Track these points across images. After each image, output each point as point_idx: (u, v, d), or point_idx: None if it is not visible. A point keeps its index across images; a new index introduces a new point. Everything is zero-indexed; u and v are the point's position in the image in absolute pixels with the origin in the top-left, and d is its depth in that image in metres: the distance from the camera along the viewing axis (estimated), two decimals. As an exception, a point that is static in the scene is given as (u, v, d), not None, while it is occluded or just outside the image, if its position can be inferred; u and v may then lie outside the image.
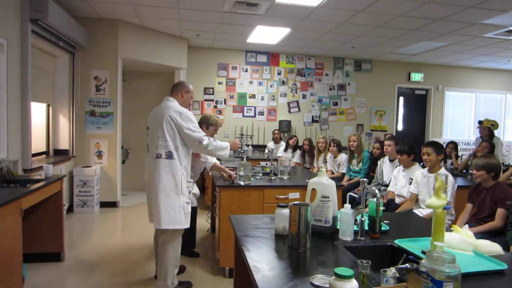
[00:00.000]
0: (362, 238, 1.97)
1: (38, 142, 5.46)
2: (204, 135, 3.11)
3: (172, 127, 3.03)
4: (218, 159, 4.10)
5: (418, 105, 9.54)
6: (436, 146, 3.74)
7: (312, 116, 8.71)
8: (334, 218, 2.05)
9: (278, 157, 6.56)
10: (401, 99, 9.39)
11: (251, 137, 7.95)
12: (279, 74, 8.48)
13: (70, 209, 5.94)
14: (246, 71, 8.34)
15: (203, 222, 5.36)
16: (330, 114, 8.81)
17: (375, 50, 7.93)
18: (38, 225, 3.82)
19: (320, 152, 6.61)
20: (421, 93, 9.50)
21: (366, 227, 2.04)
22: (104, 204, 6.28)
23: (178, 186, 3.03)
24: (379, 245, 1.93)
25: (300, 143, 7.25)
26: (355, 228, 2.02)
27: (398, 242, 1.90)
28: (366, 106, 9.01)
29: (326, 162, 6.43)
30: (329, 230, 2.04)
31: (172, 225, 3.03)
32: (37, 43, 4.81)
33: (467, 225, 3.31)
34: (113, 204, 6.35)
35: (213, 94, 8.24)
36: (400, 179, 4.21)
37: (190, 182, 3.17)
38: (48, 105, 5.67)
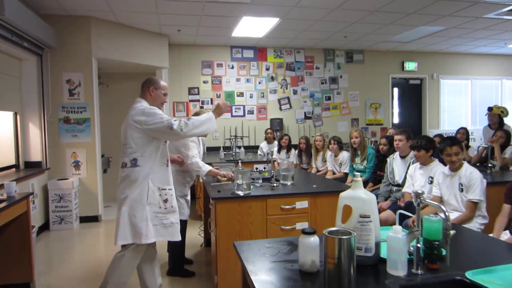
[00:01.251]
0: (419, 271, 1.47)
1: (5, 155, 4.86)
2: (175, 119, 2.66)
3: (137, 131, 2.75)
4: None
5: (413, 96, 9.15)
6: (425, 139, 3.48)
7: (305, 113, 8.23)
8: (377, 245, 1.55)
9: (273, 159, 6.08)
10: (396, 90, 8.99)
11: (241, 138, 7.42)
12: (267, 69, 7.97)
13: (46, 227, 5.34)
14: (232, 68, 7.81)
15: (195, 235, 4.82)
16: (323, 110, 8.34)
17: (367, 39, 7.49)
18: (1, 253, 3.24)
19: (318, 151, 6.12)
20: (415, 83, 9.10)
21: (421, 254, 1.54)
22: (84, 219, 5.68)
23: (143, 196, 2.68)
24: (444, 280, 1.42)
25: (293, 142, 6.76)
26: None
27: (470, 275, 1.40)
28: (360, 99, 8.56)
29: (326, 161, 5.95)
30: (371, 260, 1.54)
31: (131, 239, 2.66)
32: (-5, 44, 4.21)
33: (507, 231, 2.85)
34: (94, 219, 5.75)
35: (198, 94, 7.68)
36: (418, 178, 3.74)
37: (166, 189, 2.77)
38: (16, 114, 5.05)
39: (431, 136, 4.03)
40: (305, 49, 8.14)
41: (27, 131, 5.21)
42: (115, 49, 5.95)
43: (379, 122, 8.73)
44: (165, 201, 2.74)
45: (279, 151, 6.70)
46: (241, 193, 3.07)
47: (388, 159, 4.44)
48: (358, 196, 1.57)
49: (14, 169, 4.95)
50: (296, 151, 6.54)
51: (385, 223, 3.75)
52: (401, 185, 4.20)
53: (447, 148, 3.25)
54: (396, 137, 4.21)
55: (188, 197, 3.98)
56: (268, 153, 4.09)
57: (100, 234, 5.39)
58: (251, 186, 3.24)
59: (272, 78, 8.00)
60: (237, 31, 6.59)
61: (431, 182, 3.60)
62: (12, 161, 4.99)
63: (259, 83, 7.93)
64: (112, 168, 7.08)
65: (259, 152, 7.08)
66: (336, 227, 1.60)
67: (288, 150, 6.59)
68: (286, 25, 6.31)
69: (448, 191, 3.24)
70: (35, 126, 5.25)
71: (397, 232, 1.46)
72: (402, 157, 4.27)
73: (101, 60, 5.88)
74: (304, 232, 1.51)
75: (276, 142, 6.92)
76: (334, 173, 5.68)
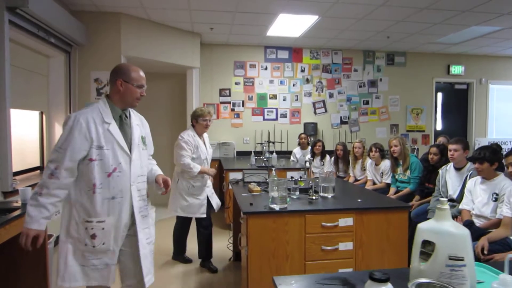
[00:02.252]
0: None
1: (31, 156, 4.69)
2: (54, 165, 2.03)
3: None
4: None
5: (459, 101, 8.49)
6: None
7: (341, 117, 7.77)
8: (474, 298, 1.14)
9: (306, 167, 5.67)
10: (440, 95, 8.37)
11: (273, 143, 7.03)
12: (302, 71, 7.57)
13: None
14: (266, 69, 7.46)
15: (223, 247, 4.49)
16: (361, 114, 7.85)
17: (411, 40, 6.96)
18: (15, 266, 3.00)
19: (356, 158, 5.67)
20: (461, 88, 8.45)
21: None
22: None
23: (63, 228, 2.17)
24: None
25: (327, 148, 6.32)
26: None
27: None
28: (400, 104, 8.01)
29: (365, 170, 5.49)
30: (466, 320, 1.13)
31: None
32: (21, 39, 4.03)
33: None
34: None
35: (229, 96, 7.38)
36: (479, 194, 3.25)
37: (92, 222, 2.09)
38: (42, 113, 4.89)
39: (495, 147, 3.52)
40: (343, 50, 7.68)
41: (53, 131, 5.03)
42: (145, 48, 5.72)
43: (420, 128, 8.15)
44: (92, 236, 2.09)
45: (312, 158, 6.27)
46: (276, 207, 2.70)
47: (440, 171, 3.96)
48: (446, 230, 1.17)
49: (38, 171, 4.77)
50: (332, 158, 6.11)
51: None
52: (455, 200, 3.72)
53: (509, 157, 2.78)
54: (450, 146, 3.73)
55: (201, 197, 3.99)
56: (307, 161, 3.69)
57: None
58: (287, 199, 2.86)
59: (307, 80, 7.59)
60: (272, 30, 6.23)
61: (496, 200, 3.12)
62: (37, 162, 4.82)
63: (293, 85, 7.54)
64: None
65: (292, 158, 6.68)
66: (413, 270, 1.20)
67: (323, 157, 6.17)
68: (325, 24, 5.89)
69: (521, 212, 2.76)
70: (61, 126, 5.07)
71: (507, 284, 1.05)
72: (457, 169, 3.78)
73: (131, 59, 5.66)
74: (373, 278, 1.11)
75: (310, 148, 6.51)
76: (374, 183, 5.22)
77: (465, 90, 8.47)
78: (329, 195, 3.14)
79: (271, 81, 7.47)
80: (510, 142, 8.45)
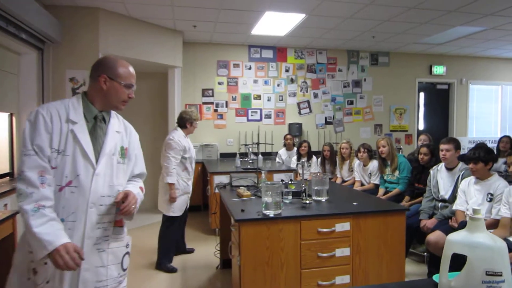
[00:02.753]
0: None
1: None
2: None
3: None
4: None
5: (440, 101, 8.55)
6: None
7: (325, 118, 7.69)
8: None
9: (295, 169, 5.55)
10: (422, 95, 8.41)
11: (257, 144, 6.88)
12: (287, 71, 7.46)
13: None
14: (250, 68, 7.31)
15: (209, 255, 4.31)
16: (345, 115, 7.79)
17: (396, 40, 6.94)
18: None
19: (344, 159, 5.58)
20: (443, 88, 8.51)
21: None
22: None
23: (14, 257, 1.69)
24: None
25: (312, 149, 6.21)
26: None
27: None
28: (384, 104, 8.00)
29: (353, 171, 5.40)
30: None
31: None
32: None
33: None
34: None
35: (212, 96, 7.19)
36: (473, 195, 3.19)
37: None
38: (11, 115, 4.57)
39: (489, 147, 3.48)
40: (328, 50, 7.61)
41: (26, 133, 4.73)
42: (125, 45, 5.48)
43: (403, 128, 8.16)
44: (34, 271, 1.59)
45: (298, 159, 6.16)
46: (270, 213, 2.55)
47: (431, 171, 3.89)
48: (481, 243, 1.04)
49: (8, 177, 4.45)
50: (319, 159, 6.00)
51: (435, 246, 3.20)
52: (447, 201, 3.66)
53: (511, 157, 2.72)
54: (442, 146, 3.66)
55: (190, 193, 4.20)
56: (298, 164, 3.55)
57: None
58: (281, 204, 2.71)
59: (292, 80, 7.48)
60: (257, 29, 6.09)
61: (491, 200, 3.06)
62: (6, 168, 4.50)
63: (278, 85, 7.42)
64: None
65: (277, 159, 6.55)
66: (442, 287, 1.07)
67: (309, 158, 6.05)
68: (312, 23, 5.79)
69: (521, 213, 2.69)
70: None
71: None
72: (449, 169, 3.71)
73: (110, 57, 5.40)
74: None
75: (295, 149, 6.39)
76: (362, 184, 5.14)
77: (446, 90, 8.54)
78: (323, 199, 3.01)
79: (255, 81, 7.32)
80: (489, 141, 8.55)
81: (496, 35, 6.56)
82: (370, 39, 6.82)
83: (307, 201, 2.91)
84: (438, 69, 8.21)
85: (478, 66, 8.51)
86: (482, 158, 3.06)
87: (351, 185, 5.26)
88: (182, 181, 4.03)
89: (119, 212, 1.70)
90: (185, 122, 4.05)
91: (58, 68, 4.96)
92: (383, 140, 4.77)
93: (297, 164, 4.34)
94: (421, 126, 8.44)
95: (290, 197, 3.00)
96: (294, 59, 7.48)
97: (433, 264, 3.34)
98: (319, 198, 3.01)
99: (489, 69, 8.60)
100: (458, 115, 8.51)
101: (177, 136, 3.95)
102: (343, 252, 2.65)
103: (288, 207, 2.79)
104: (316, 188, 3.03)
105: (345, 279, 2.66)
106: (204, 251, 4.57)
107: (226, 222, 3.86)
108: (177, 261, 4.26)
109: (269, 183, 2.66)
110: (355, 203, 2.92)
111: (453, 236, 1.10)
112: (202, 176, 6.59)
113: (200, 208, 6.66)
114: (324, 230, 2.60)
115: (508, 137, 5.40)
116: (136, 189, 1.83)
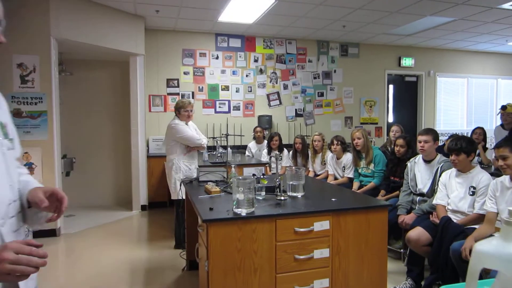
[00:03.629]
0: None
1: None
2: None
3: None
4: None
5: (409, 94, 8.55)
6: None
7: (296, 110, 7.48)
8: None
9: (266, 162, 5.31)
10: (391, 87, 8.36)
11: (226, 137, 6.55)
12: (255, 61, 7.18)
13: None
14: (217, 58, 6.97)
15: (175, 256, 3.99)
16: (315, 107, 7.61)
17: (366, 30, 6.80)
18: None
19: (316, 152, 5.38)
20: (411, 80, 8.51)
21: None
22: (38, 234, 4.71)
23: None
24: None
25: (283, 142, 5.99)
26: None
27: None
28: (354, 96, 7.89)
29: (325, 164, 5.21)
30: None
31: None
32: None
33: None
34: (51, 233, 4.79)
35: (178, 86, 6.81)
36: (455, 188, 3.04)
37: None
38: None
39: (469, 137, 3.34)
40: (297, 40, 7.38)
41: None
42: (80, 30, 5.02)
43: (373, 121, 8.09)
44: None
45: (269, 152, 5.91)
46: (243, 212, 2.27)
47: (408, 164, 3.73)
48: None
49: None
50: (290, 152, 5.78)
51: (416, 243, 3.03)
52: (425, 195, 3.51)
53: (500, 149, 2.57)
54: (420, 137, 3.50)
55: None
56: (272, 157, 3.29)
57: (59, 252, 4.46)
58: (254, 201, 2.43)
59: (261, 71, 7.20)
60: (225, 15, 5.76)
61: (473, 193, 2.91)
62: None
63: (247, 76, 7.13)
64: (77, 170, 6.16)
65: (247, 153, 6.28)
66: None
67: (280, 152, 5.81)
68: (282, 9, 5.52)
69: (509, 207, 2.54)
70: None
71: None
72: (427, 161, 3.56)
73: (63, 42, 4.94)
74: None
75: (266, 142, 6.14)
76: (336, 178, 4.95)
77: (414, 82, 8.54)
78: (299, 195, 2.76)
79: (223, 71, 7.00)
80: (458, 134, 8.64)
81: (465, 26, 6.54)
82: (341, 28, 6.64)
83: (282, 197, 2.65)
84: (407, 61, 8.18)
85: (445, 59, 8.56)
86: (464, 149, 2.90)
87: (324, 178, 5.07)
88: (184, 165, 4.16)
89: (51, 217, 1.25)
90: (175, 112, 4.32)
91: (4, 53, 4.45)
92: (358, 131, 4.59)
93: (271, 158, 4.09)
94: (391, 119, 8.40)
95: (263, 193, 2.73)
96: (263, 48, 7.21)
97: (413, 262, 3.17)
98: (295, 194, 2.76)
99: (456, 62, 8.66)
100: (426, 107, 8.53)
101: (176, 121, 4.21)
102: (322, 253, 2.41)
103: (262, 205, 2.52)
104: (291, 183, 2.78)
105: (324, 283, 2.43)
106: (169, 251, 4.25)
107: (192, 220, 3.56)
108: (140, 262, 3.92)
109: (240, 178, 2.38)
110: (333, 199, 2.69)
111: (482, 246, 0.86)
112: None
113: (165, 204, 6.30)
114: (302, 229, 2.35)
115: (482, 128, 5.37)
116: (36, 181, 1.29)
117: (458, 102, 8.96)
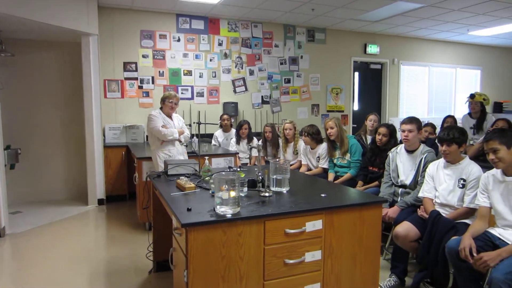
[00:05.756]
0: None
1: None
2: None
3: None
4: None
5: (374, 81, 8.51)
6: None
7: (262, 97, 7.19)
8: None
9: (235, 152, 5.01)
10: (356, 74, 8.27)
11: (190, 126, 6.16)
12: (220, 44, 6.78)
13: None
14: (179, 40, 6.50)
15: (141, 257, 3.61)
16: (282, 94, 7.36)
17: (334, 15, 6.59)
18: None
19: (288, 141, 5.13)
20: (376, 67, 8.46)
21: None
22: (-21, 236, 4.17)
23: None
24: None
25: (253, 130, 5.71)
26: None
27: None
28: (321, 83, 7.71)
29: (297, 153, 4.99)
30: None
31: None
32: None
33: None
34: (-5, 234, 4.25)
35: (136, 71, 6.29)
36: (443, 180, 2.89)
37: None
38: None
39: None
40: (263, 24, 7.06)
41: None
42: (22, 3, 4.41)
43: (339, 108, 7.98)
44: None
45: (237, 141, 5.61)
46: (228, 212, 1.96)
47: (390, 154, 3.57)
48: None
49: None
50: (260, 141, 5.49)
51: (404, 239, 2.86)
52: (408, 186, 3.36)
53: (490, 142, 2.43)
54: (404, 126, 3.33)
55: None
56: (254, 148, 3.00)
57: (4, 256, 3.93)
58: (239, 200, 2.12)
59: (226, 55, 6.82)
60: (187, -7, 5.32)
61: (463, 186, 2.77)
62: None
63: (211, 60, 6.72)
64: (23, 162, 5.53)
65: (213, 142, 5.93)
66: None
67: (249, 141, 5.53)
68: (250, -12, 5.17)
69: (503, 202, 2.40)
70: None
71: None
72: (409, 151, 3.40)
73: (2, 18, 4.31)
74: None
75: (233, 131, 5.82)
76: (309, 169, 4.74)
77: (379, 70, 8.50)
78: (284, 190, 2.49)
79: (185, 55, 6.55)
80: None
81: (432, 13, 6.51)
82: (309, 12, 6.39)
83: (267, 194, 2.36)
84: (372, 48, 8.11)
85: (408, 47, 8.58)
86: (456, 140, 2.75)
87: (297, 169, 4.84)
88: (163, 154, 4.13)
89: None
90: (161, 101, 4.24)
91: None
92: (331, 121, 4.38)
93: (251, 148, 3.80)
94: (356, 107, 8.34)
95: (245, 189, 2.43)
96: (228, 31, 6.82)
97: (397, 259, 3.01)
98: (280, 189, 2.48)
99: (419, 50, 8.72)
100: (390, 95, 8.54)
101: (154, 112, 4.19)
102: (313, 256, 2.16)
103: (245, 203, 2.21)
104: (275, 177, 2.50)
105: (315, 287, 2.19)
106: (132, 251, 3.86)
107: (159, 217, 3.22)
108: (99, 264, 3.51)
109: (223, 173, 2.06)
110: (323, 195, 2.43)
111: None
112: (127, 162, 5.76)
113: (125, 198, 5.85)
114: (293, 231, 2.08)
115: (452, 117, 5.35)
116: None
117: (420, 90, 9.06)
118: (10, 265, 3.72)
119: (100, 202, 5.66)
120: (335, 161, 4.40)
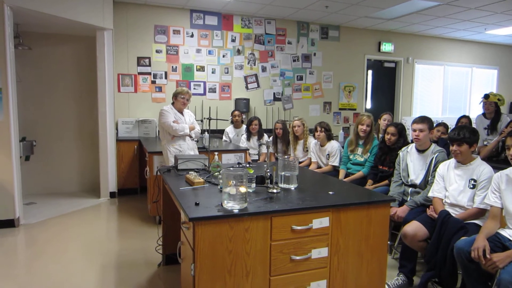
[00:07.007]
0: None
1: None
2: None
3: None
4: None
5: (387, 80, 8.43)
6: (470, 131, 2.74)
7: (274, 93, 7.19)
8: None
9: (246, 148, 5.03)
10: (370, 72, 8.20)
11: (201, 121, 6.19)
12: (233, 41, 6.79)
13: None
14: (192, 36, 6.53)
15: (151, 250, 3.66)
16: (294, 91, 7.35)
17: (348, 12, 6.55)
18: None
19: (297, 138, 5.13)
20: (390, 66, 8.38)
21: None
22: (-5, 225, 4.27)
23: None
24: None
25: (264, 127, 5.71)
26: None
27: None
28: (334, 81, 7.67)
29: (308, 151, 4.98)
30: None
31: None
32: None
33: None
34: (9, 223, 4.34)
35: (149, 65, 6.34)
36: (454, 181, 2.86)
37: None
38: None
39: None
40: (277, 20, 7.04)
41: None
42: (40, -2, 4.49)
43: (352, 106, 7.93)
44: None
45: (248, 138, 5.63)
46: (235, 208, 1.98)
47: (400, 153, 3.54)
48: None
49: None
50: (271, 138, 5.50)
51: (413, 238, 2.84)
52: (418, 186, 3.34)
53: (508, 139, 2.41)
54: (415, 126, 3.30)
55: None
56: (263, 144, 3.02)
57: (18, 245, 4.03)
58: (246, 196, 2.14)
59: (239, 52, 6.83)
60: (201, -11, 5.34)
61: (474, 187, 2.74)
62: None
63: (223, 56, 6.74)
64: (38, 154, 5.65)
65: (224, 138, 5.96)
66: None
67: (260, 137, 5.54)
68: (264, -16, 5.17)
69: (514, 200, 2.37)
70: None
71: None
72: (420, 151, 3.38)
73: (19, 12, 4.39)
74: None
75: (244, 127, 5.84)
76: (319, 166, 4.73)
77: (393, 68, 8.41)
78: (292, 187, 2.50)
79: (198, 51, 6.58)
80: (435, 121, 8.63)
81: (448, 11, 6.41)
82: (323, 9, 6.36)
83: (275, 190, 2.37)
84: (387, 47, 8.03)
85: (423, 45, 8.47)
86: (467, 140, 2.72)
87: (306, 166, 4.84)
88: (174, 148, 4.17)
89: None
90: (173, 96, 4.28)
91: None
92: (368, 118, 4.29)
93: (260, 145, 3.82)
94: (368, 105, 8.28)
95: (253, 185, 2.44)
96: (241, 28, 6.83)
97: (406, 258, 3.00)
98: (288, 186, 2.49)
99: (434, 49, 8.60)
100: (404, 94, 8.46)
101: (166, 107, 4.24)
102: (320, 253, 2.17)
103: (253, 199, 2.23)
104: (284, 173, 2.51)
105: (321, 284, 2.20)
106: (142, 244, 3.91)
107: (169, 210, 3.26)
108: (110, 256, 3.58)
109: (231, 169, 2.08)
110: (331, 192, 2.43)
111: None
112: (139, 156, 5.83)
113: (136, 191, 5.92)
114: (300, 227, 2.09)
115: (467, 117, 5.27)
116: None
117: (434, 90, 8.95)
118: (23, 254, 3.81)
119: (112, 195, 5.74)
120: (351, 156, 4.36)
